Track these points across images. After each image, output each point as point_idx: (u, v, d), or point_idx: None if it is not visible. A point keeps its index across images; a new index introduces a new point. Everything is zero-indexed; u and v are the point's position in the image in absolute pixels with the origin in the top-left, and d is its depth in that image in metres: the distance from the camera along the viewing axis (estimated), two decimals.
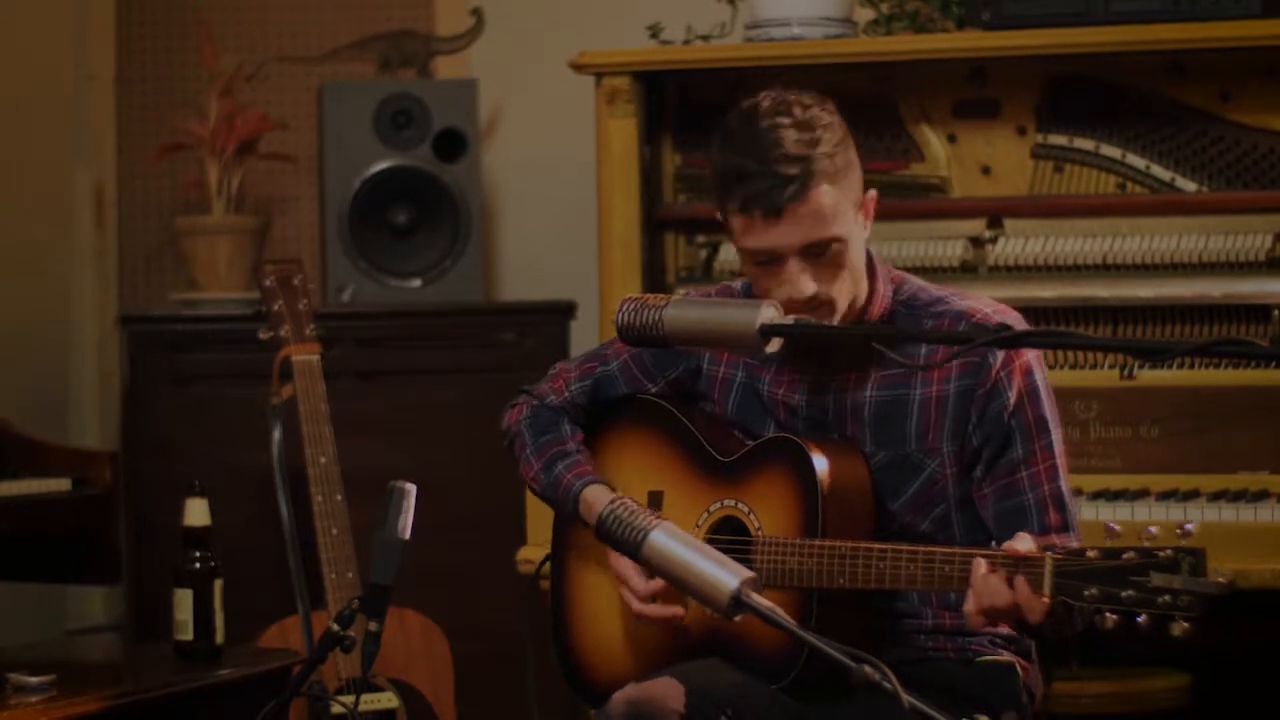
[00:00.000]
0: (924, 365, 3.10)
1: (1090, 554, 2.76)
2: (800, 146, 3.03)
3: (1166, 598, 2.68)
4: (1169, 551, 2.69)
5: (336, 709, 4.21)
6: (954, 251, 4.32)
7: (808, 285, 3.05)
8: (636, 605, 3.19)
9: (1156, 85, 4.25)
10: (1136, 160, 4.27)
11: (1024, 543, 2.87)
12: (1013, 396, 3.11)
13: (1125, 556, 2.72)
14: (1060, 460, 3.14)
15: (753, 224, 3.05)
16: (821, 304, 3.08)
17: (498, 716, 4.65)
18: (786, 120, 3.06)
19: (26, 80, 5.24)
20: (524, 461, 3.38)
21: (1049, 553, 2.81)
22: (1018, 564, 2.83)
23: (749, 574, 2.66)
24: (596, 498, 3.23)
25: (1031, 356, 3.14)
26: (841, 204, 3.06)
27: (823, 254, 3.06)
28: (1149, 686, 4.16)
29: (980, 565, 2.87)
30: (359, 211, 5.08)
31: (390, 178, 5.10)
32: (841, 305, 3.10)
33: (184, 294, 5.28)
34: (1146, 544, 2.72)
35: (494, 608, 4.65)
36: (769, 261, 3.07)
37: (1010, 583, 2.83)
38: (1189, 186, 4.24)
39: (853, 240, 3.09)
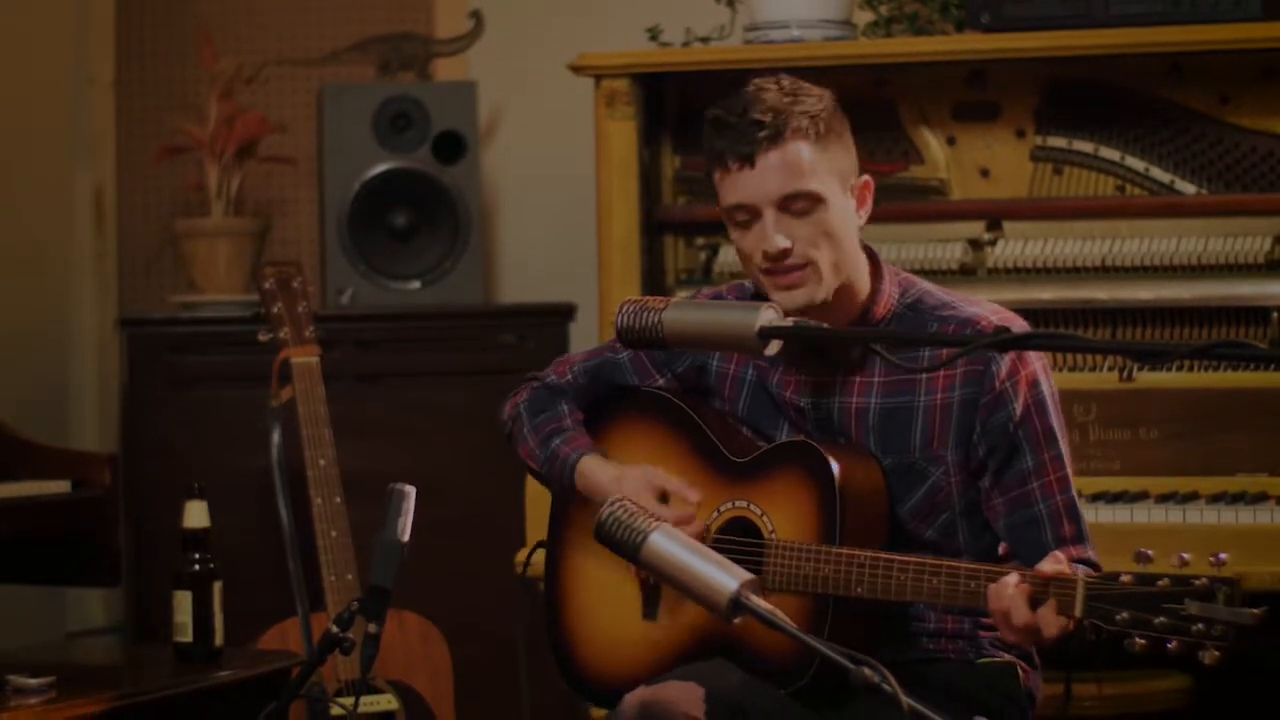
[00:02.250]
0: (925, 368, 3.10)
1: (1124, 579, 2.75)
2: (779, 103, 3.09)
3: (1200, 626, 2.67)
4: (1204, 580, 2.68)
5: (336, 711, 4.21)
6: (953, 254, 4.32)
7: (778, 240, 3.07)
8: (693, 498, 3.16)
9: (1156, 87, 4.25)
10: (1136, 162, 4.27)
11: (1057, 564, 2.86)
12: (1019, 407, 3.10)
13: (1160, 583, 2.71)
14: (1070, 470, 3.13)
15: (728, 176, 3.10)
16: (802, 266, 3.08)
17: (496, 718, 4.65)
18: (772, 84, 3.13)
19: (26, 83, 5.24)
20: (521, 441, 3.38)
21: (1082, 575, 2.80)
22: (1048, 585, 2.82)
23: (749, 576, 2.66)
24: (593, 468, 3.23)
25: (1039, 368, 3.13)
26: (821, 167, 3.08)
27: (802, 213, 3.08)
28: (1150, 688, 4.16)
29: (1013, 575, 2.85)
30: (358, 214, 5.08)
31: (389, 180, 5.10)
32: (827, 274, 3.10)
33: (183, 296, 5.28)
34: (1180, 570, 2.70)
35: (493, 610, 4.63)
36: (747, 220, 3.10)
37: (1032, 603, 2.83)
38: (1188, 189, 4.24)
39: (836, 208, 3.09)
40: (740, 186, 3.08)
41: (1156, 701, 4.17)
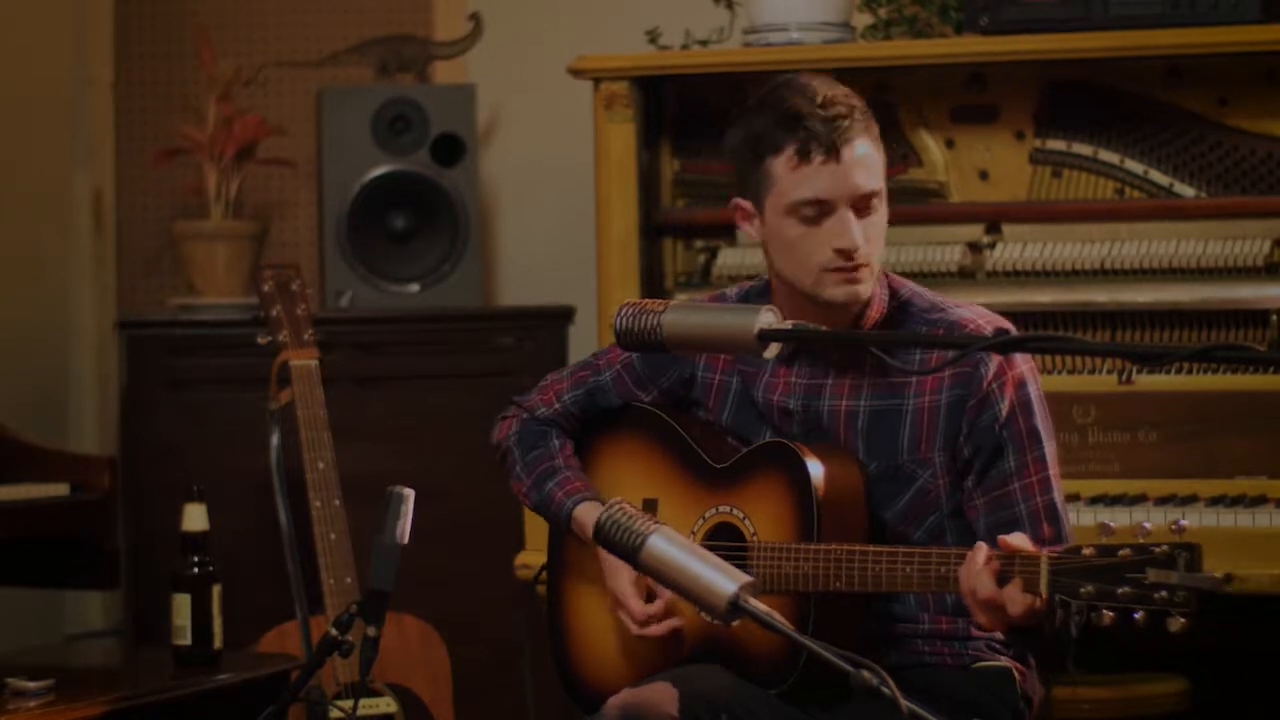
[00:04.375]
0: (918, 371, 3.10)
1: (1086, 551, 2.77)
2: (846, 97, 3.11)
3: (1163, 593, 2.68)
4: (1164, 547, 2.70)
5: (335, 714, 4.21)
6: (952, 257, 4.32)
7: (859, 235, 3.08)
8: (635, 629, 3.21)
9: (1154, 90, 4.25)
10: (1135, 165, 4.27)
11: (1022, 541, 2.88)
12: (1004, 408, 3.11)
13: (1121, 553, 2.73)
14: (1053, 472, 3.14)
15: (807, 169, 3.08)
16: (860, 266, 3.10)
17: None
18: (820, 82, 3.13)
19: (25, 85, 5.24)
20: (515, 478, 3.40)
21: (1045, 551, 2.82)
22: (1014, 560, 2.84)
23: (747, 579, 2.67)
24: (588, 516, 3.24)
25: (1025, 369, 3.14)
26: (879, 166, 3.12)
27: (867, 211, 3.09)
28: (1147, 692, 4.16)
29: (981, 550, 2.87)
30: (357, 216, 5.08)
31: (388, 182, 5.10)
32: (874, 273, 3.13)
33: (182, 299, 5.28)
34: (1141, 540, 2.72)
35: (492, 612, 4.64)
36: (817, 216, 3.09)
37: (999, 579, 2.84)
38: (1187, 191, 4.24)
39: (885, 207, 3.13)
40: (820, 180, 3.08)
41: (1154, 705, 4.16)
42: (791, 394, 3.21)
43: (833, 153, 3.07)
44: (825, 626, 2.99)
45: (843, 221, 3.08)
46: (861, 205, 3.09)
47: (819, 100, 3.08)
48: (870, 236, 3.10)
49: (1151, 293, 4.20)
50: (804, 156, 3.08)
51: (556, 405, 3.40)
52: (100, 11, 5.46)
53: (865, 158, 3.09)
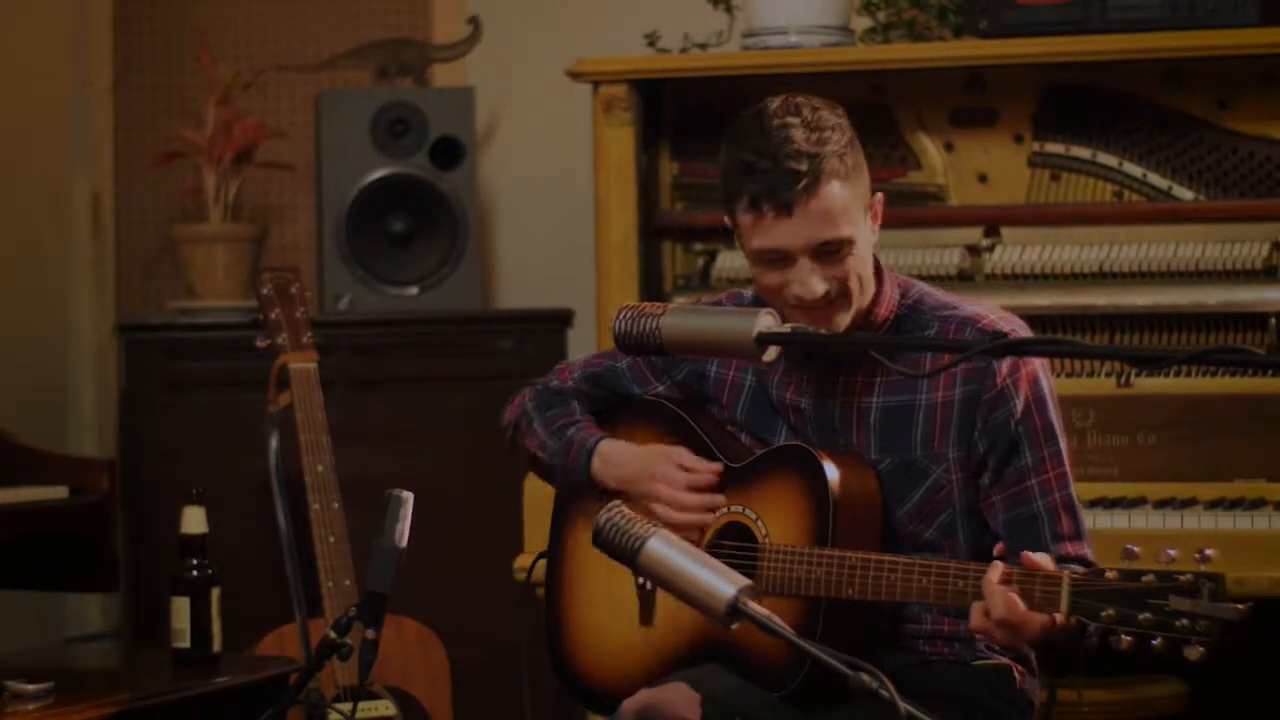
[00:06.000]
0: (925, 373, 3.10)
1: (1109, 574, 2.76)
2: (810, 144, 3.03)
3: (1184, 622, 2.68)
4: (1189, 576, 2.69)
5: (333, 717, 4.20)
6: (951, 260, 4.32)
7: (819, 285, 3.05)
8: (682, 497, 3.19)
9: (1153, 93, 4.25)
10: (1133, 168, 4.27)
11: (1044, 560, 2.87)
12: (1019, 404, 3.11)
13: (1145, 579, 2.72)
14: (1069, 468, 3.14)
15: (762, 222, 3.04)
16: (833, 301, 3.08)
17: None
18: (795, 120, 3.06)
19: (25, 88, 5.24)
20: (530, 435, 3.37)
21: (1067, 572, 2.82)
22: (1034, 579, 2.83)
23: (746, 582, 2.66)
24: (613, 447, 3.23)
25: (1038, 364, 3.15)
26: (851, 204, 3.05)
27: (834, 254, 3.05)
28: (1147, 694, 4.16)
29: (996, 569, 2.86)
30: (356, 219, 5.08)
31: (387, 186, 5.10)
32: (855, 301, 3.10)
33: (181, 302, 5.27)
34: (1166, 566, 2.72)
35: (491, 615, 4.64)
36: (779, 261, 3.06)
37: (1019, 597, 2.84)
38: (1186, 195, 4.24)
39: (861, 242, 3.09)
40: (775, 233, 3.04)
41: (1152, 708, 4.16)
42: (803, 393, 3.21)
43: (784, 208, 3.02)
44: (834, 632, 2.98)
45: (800, 272, 3.05)
46: (824, 253, 3.05)
47: (774, 150, 3.02)
48: (836, 277, 3.06)
49: (1150, 296, 4.20)
50: (756, 209, 3.05)
51: (571, 381, 3.40)
52: (100, 14, 5.46)
53: (828, 207, 3.02)
